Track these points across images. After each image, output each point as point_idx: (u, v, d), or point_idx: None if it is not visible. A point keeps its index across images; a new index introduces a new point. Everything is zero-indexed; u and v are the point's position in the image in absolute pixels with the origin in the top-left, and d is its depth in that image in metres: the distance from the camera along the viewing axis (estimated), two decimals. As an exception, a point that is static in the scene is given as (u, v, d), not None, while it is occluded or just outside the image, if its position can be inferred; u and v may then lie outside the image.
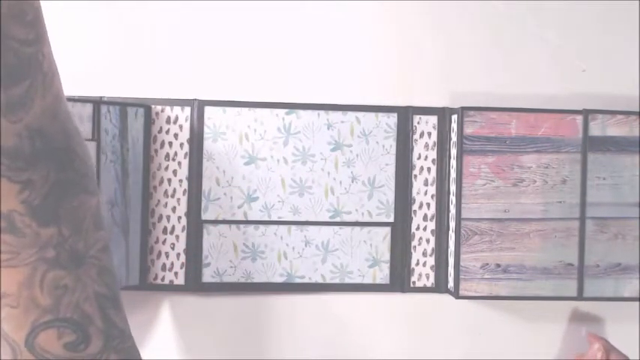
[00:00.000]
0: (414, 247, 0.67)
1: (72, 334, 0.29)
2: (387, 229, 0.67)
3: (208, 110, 0.65)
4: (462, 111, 0.63)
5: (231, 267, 0.65)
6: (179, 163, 0.65)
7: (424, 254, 0.67)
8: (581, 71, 0.70)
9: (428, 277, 0.68)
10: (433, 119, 0.67)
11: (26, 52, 0.27)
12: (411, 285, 0.67)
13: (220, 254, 0.65)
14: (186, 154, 0.65)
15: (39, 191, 0.28)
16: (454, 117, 0.66)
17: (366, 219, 0.67)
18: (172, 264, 0.65)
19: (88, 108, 0.58)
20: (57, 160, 0.29)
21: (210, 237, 0.65)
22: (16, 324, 0.29)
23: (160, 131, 0.65)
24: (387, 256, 0.67)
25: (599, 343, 0.63)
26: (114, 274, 0.32)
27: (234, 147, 0.65)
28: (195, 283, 0.65)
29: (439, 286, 0.67)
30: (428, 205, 0.67)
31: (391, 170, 0.67)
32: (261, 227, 0.66)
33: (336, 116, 0.66)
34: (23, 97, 0.27)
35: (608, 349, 0.62)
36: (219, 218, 0.65)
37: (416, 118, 0.67)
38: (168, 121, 0.65)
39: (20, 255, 0.28)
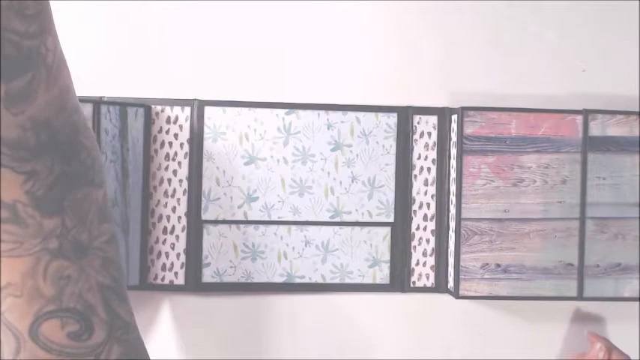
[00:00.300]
0: (414, 247, 0.67)
1: (75, 323, 0.29)
2: (387, 229, 0.67)
3: (208, 110, 0.65)
4: (462, 111, 0.63)
5: (231, 267, 0.65)
6: (179, 163, 0.65)
7: (424, 254, 0.67)
8: (581, 71, 0.70)
9: (428, 277, 0.68)
10: (433, 119, 0.67)
11: (27, 45, 0.27)
12: (411, 285, 0.67)
13: (220, 254, 0.65)
14: (186, 154, 0.65)
15: (43, 182, 0.29)
16: (454, 117, 0.66)
17: (366, 219, 0.67)
18: (172, 264, 0.65)
19: (88, 108, 0.58)
20: (62, 152, 0.29)
21: (210, 237, 0.65)
22: (19, 313, 0.29)
23: (160, 131, 0.65)
24: (387, 256, 0.67)
25: (600, 342, 0.63)
26: (119, 266, 0.33)
27: (234, 147, 0.65)
28: (195, 283, 0.65)
29: (439, 286, 0.67)
30: (428, 205, 0.67)
31: (391, 170, 0.67)
32: (261, 227, 0.66)
33: (336, 116, 0.66)
34: (25, 89, 0.27)
35: (610, 348, 0.62)
36: (219, 218, 0.65)
37: (416, 118, 0.67)
38: (168, 121, 0.65)
39: (24, 245, 0.29)
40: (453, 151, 0.65)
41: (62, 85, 0.29)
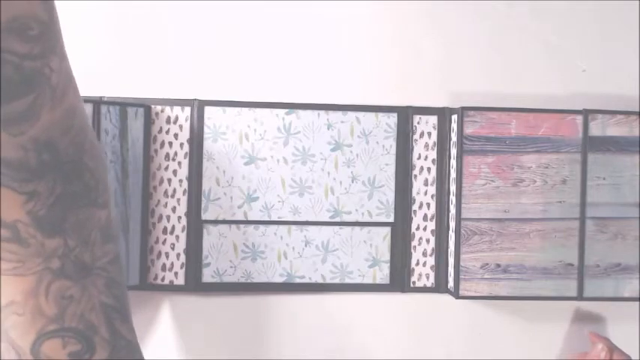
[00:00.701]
0: (414, 247, 0.67)
1: (77, 343, 0.29)
2: (387, 229, 0.67)
3: (208, 110, 0.65)
4: (462, 111, 0.63)
5: (231, 267, 0.65)
6: (179, 163, 0.65)
7: (424, 254, 0.67)
8: (581, 71, 0.70)
9: (428, 277, 0.67)
10: (433, 119, 0.67)
11: (29, 66, 0.26)
12: (411, 285, 0.67)
13: (220, 254, 0.65)
14: (186, 154, 0.65)
15: (44, 202, 0.29)
16: (454, 117, 0.66)
17: (366, 219, 0.67)
18: (172, 264, 0.65)
19: (88, 108, 0.58)
20: (64, 172, 0.29)
21: (210, 237, 0.65)
22: (22, 331, 0.29)
23: (160, 131, 0.65)
24: (387, 256, 0.67)
25: (602, 342, 0.63)
26: (123, 286, 0.33)
27: (234, 147, 0.65)
28: (195, 283, 0.65)
29: (439, 286, 0.67)
30: (428, 205, 0.67)
31: (391, 170, 0.67)
32: (261, 227, 0.66)
33: (336, 116, 0.66)
34: (26, 111, 0.27)
35: (612, 348, 0.62)
36: (219, 218, 0.65)
37: (416, 118, 0.67)
38: (168, 121, 0.65)
39: (26, 264, 0.29)
40: (453, 151, 0.65)
41: (67, 105, 0.29)
